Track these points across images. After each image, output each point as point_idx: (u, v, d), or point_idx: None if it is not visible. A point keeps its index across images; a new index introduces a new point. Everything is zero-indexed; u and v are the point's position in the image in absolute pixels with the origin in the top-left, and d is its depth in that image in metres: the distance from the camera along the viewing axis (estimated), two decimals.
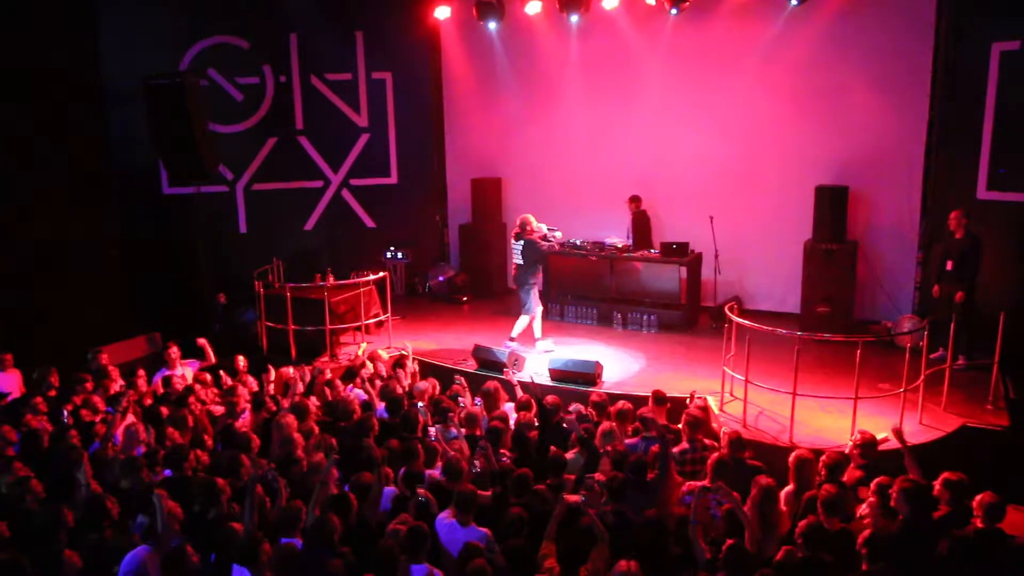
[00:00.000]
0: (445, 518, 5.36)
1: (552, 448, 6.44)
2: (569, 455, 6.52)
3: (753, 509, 5.38)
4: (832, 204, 10.30)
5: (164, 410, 7.26)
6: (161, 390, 8.14)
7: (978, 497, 5.10)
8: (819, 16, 10.52)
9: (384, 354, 9.30)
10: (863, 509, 5.57)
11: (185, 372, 8.79)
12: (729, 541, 4.75)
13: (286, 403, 7.61)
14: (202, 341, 9.38)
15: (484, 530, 5.20)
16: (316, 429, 6.88)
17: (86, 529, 5.14)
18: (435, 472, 6.24)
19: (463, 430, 7.06)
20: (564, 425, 7.07)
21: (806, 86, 10.91)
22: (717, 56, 11.31)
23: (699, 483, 5.73)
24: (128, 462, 5.98)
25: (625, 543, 5.00)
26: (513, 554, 4.94)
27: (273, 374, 8.54)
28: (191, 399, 7.70)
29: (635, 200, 11.56)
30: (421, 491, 5.78)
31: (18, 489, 5.65)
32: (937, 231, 10.10)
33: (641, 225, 11.54)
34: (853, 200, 10.45)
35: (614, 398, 7.69)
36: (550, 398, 7.46)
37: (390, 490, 5.89)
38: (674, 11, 10.47)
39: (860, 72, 10.50)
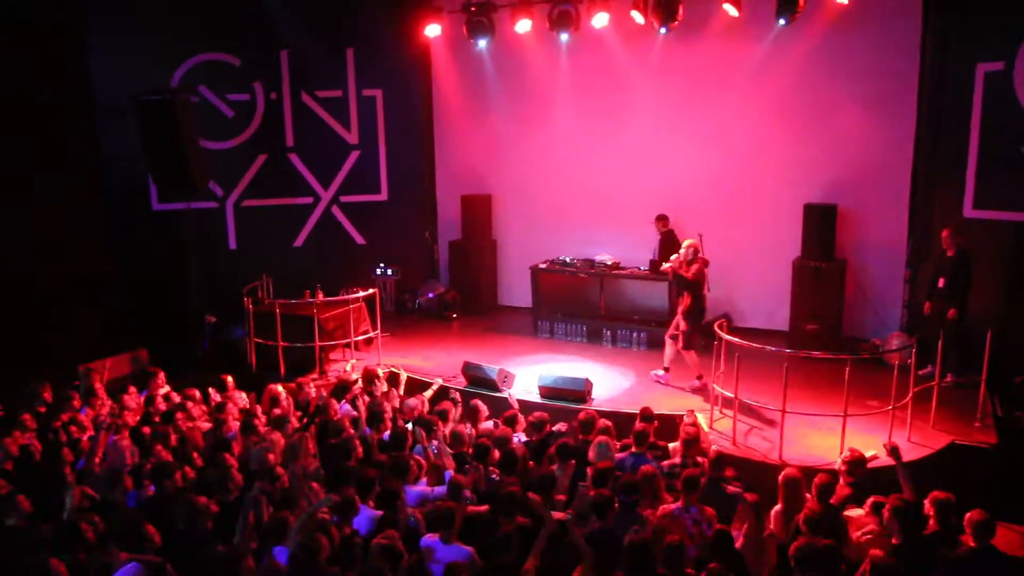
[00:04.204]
0: (430, 537, 5.32)
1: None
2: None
3: (738, 529, 5.36)
4: (821, 222, 10.35)
5: (146, 429, 7.20)
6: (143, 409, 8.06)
7: (968, 515, 5.10)
8: (807, 36, 10.59)
9: (381, 372, 9.25)
10: (855, 529, 5.57)
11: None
12: (712, 565, 4.71)
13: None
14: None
15: (468, 548, 5.15)
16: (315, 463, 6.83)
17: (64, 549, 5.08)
18: (419, 487, 6.20)
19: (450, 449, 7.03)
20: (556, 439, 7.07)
21: (794, 105, 11.01)
22: (706, 75, 11.40)
23: (675, 505, 5.72)
24: (109, 475, 5.93)
25: (610, 562, 4.96)
26: (498, 572, 4.89)
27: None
28: (179, 415, 7.64)
29: (661, 219, 11.33)
30: (411, 510, 5.74)
31: (3, 506, 5.59)
32: (924, 249, 10.16)
33: (669, 245, 11.03)
34: (841, 218, 10.50)
35: (603, 415, 7.68)
36: (536, 414, 7.45)
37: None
38: (663, 30, 10.52)
39: (848, 91, 10.59)
